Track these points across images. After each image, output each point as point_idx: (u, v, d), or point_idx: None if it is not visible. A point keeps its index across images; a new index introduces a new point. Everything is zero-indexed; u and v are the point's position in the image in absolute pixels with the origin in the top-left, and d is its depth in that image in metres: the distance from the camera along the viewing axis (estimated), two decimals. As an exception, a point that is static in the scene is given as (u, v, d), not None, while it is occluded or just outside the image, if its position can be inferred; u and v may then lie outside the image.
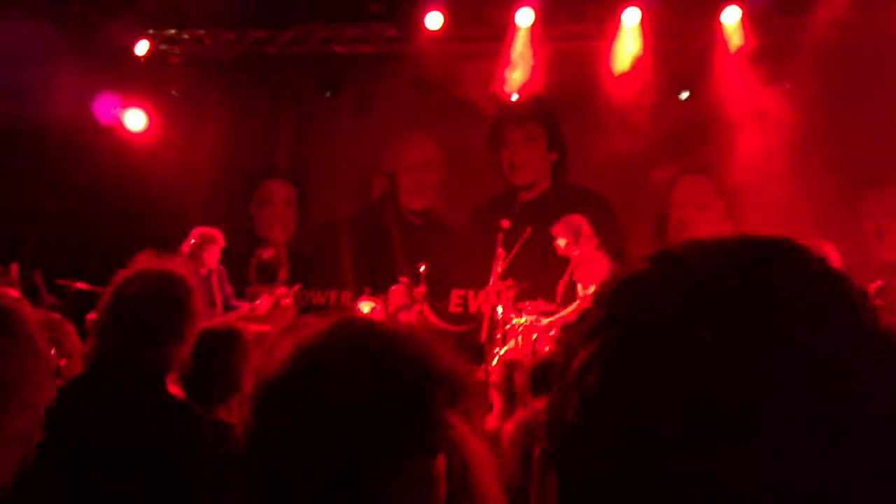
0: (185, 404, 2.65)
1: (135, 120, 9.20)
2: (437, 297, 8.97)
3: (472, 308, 9.18)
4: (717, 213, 8.93)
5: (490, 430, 4.09)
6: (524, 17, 8.78)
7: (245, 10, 9.25)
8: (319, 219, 9.93)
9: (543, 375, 3.53)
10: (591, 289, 6.27)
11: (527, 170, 9.58)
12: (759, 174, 8.00)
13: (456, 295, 9.41)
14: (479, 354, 6.99)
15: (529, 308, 7.23)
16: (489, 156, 9.61)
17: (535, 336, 6.97)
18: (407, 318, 7.79)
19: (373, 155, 9.75)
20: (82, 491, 2.25)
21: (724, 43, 8.58)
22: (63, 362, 3.19)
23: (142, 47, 9.28)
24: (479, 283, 8.11)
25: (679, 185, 9.19)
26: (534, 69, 8.84)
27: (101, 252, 5.58)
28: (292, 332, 1.24)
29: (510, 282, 7.26)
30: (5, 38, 7.37)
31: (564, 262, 7.20)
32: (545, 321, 7.03)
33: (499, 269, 7.23)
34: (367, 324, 1.25)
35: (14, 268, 7.61)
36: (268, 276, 9.55)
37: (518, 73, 8.89)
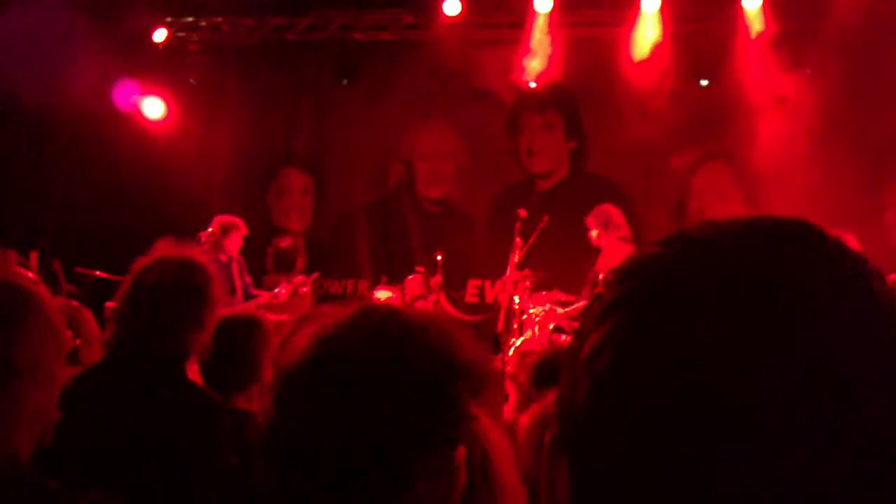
0: (203, 392, 2.65)
1: (153, 108, 9.21)
2: (453, 286, 8.95)
3: (489, 298, 9.16)
4: (737, 200, 8.85)
5: (506, 421, 4.07)
6: (543, 4, 8.71)
7: (263, -3, 9.26)
8: (336, 207, 9.92)
9: (547, 370, 3.49)
10: (609, 277, 6.21)
11: (545, 157, 9.52)
12: (779, 161, 7.93)
13: (472, 284, 9.39)
14: (496, 344, 6.97)
15: (546, 298, 7.20)
16: (507, 144, 9.56)
17: (552, 326, 6.94)
18: (423, 307, 7.77)
19: (390, 143, 9.71)
20: (101, 476, 2.25)
21: (745, 28, 8.48)
22: (78, 342, 3.20)
23: (160, 35, 9.27)
24: (496, 272, 8.09)
25: (699, 172, 9.12)
26: (552, 56, 8.77)
27: (120, 240, 5.61)
28: (310, 320, 1.23)
29: (527, 271, 7.21)
30: (24, 26, 7.40)
31: (583, 251, 7.16)
32: (561, 311, 7.00)
33: (516, 258, 7.20)
34: (388, 312, 1.24)
35: (33, 256, 7.66)
36: (285, 265, 9.56)
37: (537, 60, 8.83)
